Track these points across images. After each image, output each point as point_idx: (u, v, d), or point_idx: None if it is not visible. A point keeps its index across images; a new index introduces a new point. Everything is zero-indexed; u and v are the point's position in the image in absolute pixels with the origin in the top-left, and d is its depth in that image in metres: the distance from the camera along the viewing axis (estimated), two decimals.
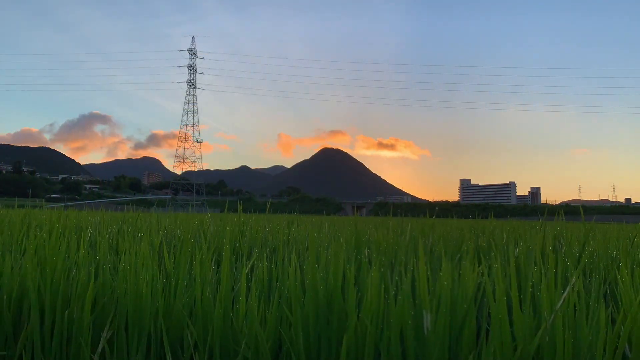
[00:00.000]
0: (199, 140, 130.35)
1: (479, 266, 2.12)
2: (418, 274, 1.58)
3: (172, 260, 2.17)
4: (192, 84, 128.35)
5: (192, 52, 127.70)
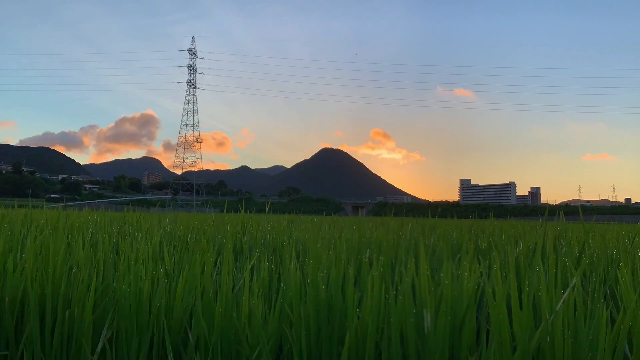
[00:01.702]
0: (198, 140, 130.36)
1: (479, 266, 2.12)
2: (419, 274, 1.58)
3: (173, 260, 2.18)
4: (192, 84, 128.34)
5: (192, 52, 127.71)
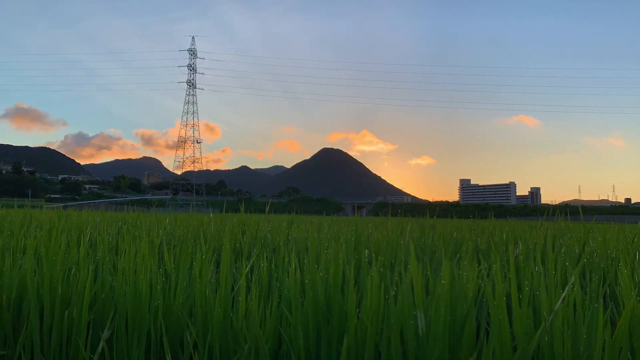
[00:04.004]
0: (198, 141, 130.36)
1: (478, 266, 2.11)
2: (414, 274, 1.58)
3: (172, 260, 2.17)
4: (192, 84, 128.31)
5: (192, 52, 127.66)
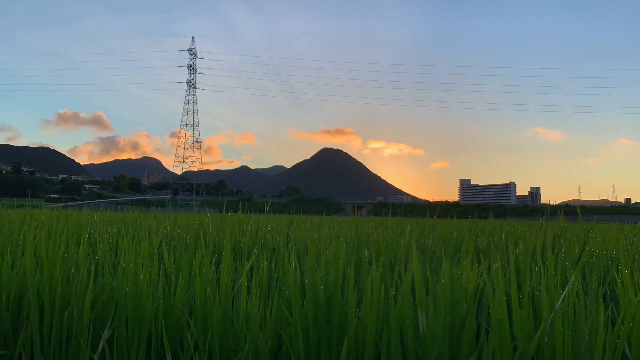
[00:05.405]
0: (199, 141, 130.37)
1: (478, 266, 2.11)
2: (416, 273, 1.57)
3: (172, 260, 2.17)
4: (192, 84, 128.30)
5: (192, 53, 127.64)
